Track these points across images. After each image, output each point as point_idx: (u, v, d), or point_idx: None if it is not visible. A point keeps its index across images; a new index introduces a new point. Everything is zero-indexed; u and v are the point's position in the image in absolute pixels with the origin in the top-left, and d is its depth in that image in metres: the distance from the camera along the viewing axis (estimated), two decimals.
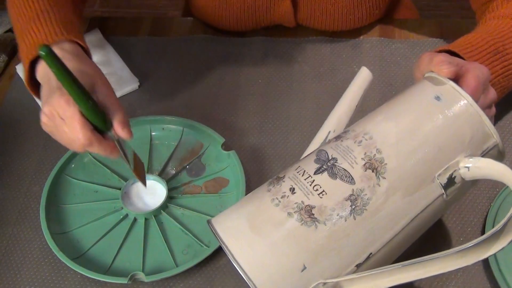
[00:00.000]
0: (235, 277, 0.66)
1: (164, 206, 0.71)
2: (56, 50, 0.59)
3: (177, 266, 0.66)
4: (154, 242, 0.69)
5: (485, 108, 0.60)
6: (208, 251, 0.66)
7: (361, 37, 0.90)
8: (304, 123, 0.80)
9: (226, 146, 0.75)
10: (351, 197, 0.51)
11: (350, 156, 0.53)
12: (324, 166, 0.53)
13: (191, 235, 0.69)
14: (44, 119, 0.61)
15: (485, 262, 0.65)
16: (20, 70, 0.88)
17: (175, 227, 0.70)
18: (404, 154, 0.52)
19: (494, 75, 0.65)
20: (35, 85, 0.67)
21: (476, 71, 0.58)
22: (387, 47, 0.88)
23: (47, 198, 0.72)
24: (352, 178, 0.51)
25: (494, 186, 0.71)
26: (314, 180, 0.52)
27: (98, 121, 0.59)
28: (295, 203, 0.51)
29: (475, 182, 0.56)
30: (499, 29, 0.68)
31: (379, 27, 0.92)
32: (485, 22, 0.72)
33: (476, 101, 0.56)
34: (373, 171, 0.51)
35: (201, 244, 0.68)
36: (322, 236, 0.50)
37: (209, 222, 0.54)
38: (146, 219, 0.71)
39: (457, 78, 0.57)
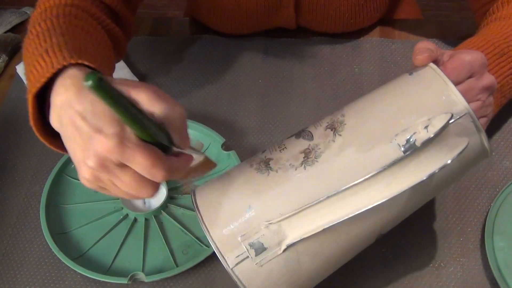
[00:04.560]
0: None
1: (164, 206, 0.71)
2: (66, 79, 0.49)
3: (177, 266, 0.66)
4: (154, 242, 0.69)
5: (477, 92, 0.59)
6: (208, 251, 0.66)
7: (361, 37, 0.90)
8: (304, 123, 0.80)
9: (226, 146, 0.75)
10: (306, 151, 0.54)
11: (319, 122, 0.57)
12: (296, 133, 0.57)
13: (191, 235, 0.69)
14: (88, 175, 0.47)
15: (485, 262, 0.65)
16: (21, 71, 0.88)
17: (175, 227, 0.70)
18: (364, 116, 0.54)
19: (502, 77, 0.64)
20: (45, 128, 0.54)
21: (463, 55, 0.58)
22: (387, 47, 0.88)
23: (47, 198, 0.72)
24: (312, 136, 0.55)
25: (494, 186, 0.71)
26: (282, 142, 0.56)
27: (162, 138, 0.47)
28: (259, 158, 0.55)
29: (458, 167, 0.55)
30: (502, 30, 0.67)
31: (379, 28, 0.92)
32: (487, 24, 0.72)
33: (457, 80, 0.57)
34: (331, 130, 0.54)
35: (201, 244, 0.68)
36: (271, 181, 0.53)
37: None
38: (146, 219, 0.71)
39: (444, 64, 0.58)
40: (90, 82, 0.39)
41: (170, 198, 0.72)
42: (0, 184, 0.76)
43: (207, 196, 0.54)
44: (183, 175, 0.51)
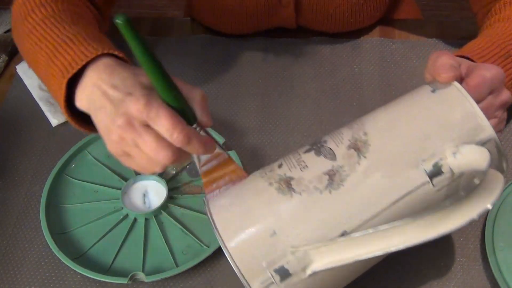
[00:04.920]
0: (235, 277, 0.66)
1: (164, 206, 0.71)
2: (99, 65, 0.55)
3: (177, 266, 0.66)
4: (154, 242, 0.69)
5: (495, 109, 0.59)
6: (208, 251, 0.66)
7: (361, 37, 0.90)
8: (304, 123, 0.80)
9: (226, 146, 0.75)
10: (330, 172, 0.52)
11: (338, 137, 0.54)
12: (314, 147, 0.55)
13: (191, 235, 0.69)
14: (115, 136, 0.51)
15: (485, 262, 0.65)
16: (21, 70, 0.88)
17: (175, 227, 0.70)
18: (388, 137, 0.53)
19: (508, 79, 0.64)
20: (76, 117, 0.59)
21: (483, 71, 0.57)
22: (387, 47, 0.88)
23: (47, 198, 0.72)
24: (335, 155, 0.53)
25: None
26: (300, 157, 0.54)
27: (186, 110, 0.51)
28: (278, 175, 0.53)
29: (472, 186, 0.55)
30: (507, 32, 0.67)
31: (379, 28, 0.92)
32: (491, 25, 0.71)
33: (479, 98, 0.56)
34: (355, 151, 0.52)
35: (201, 244, 0.68)
36: (295, 204, 0.51)
37: (205, 195, 0.56)
38: (146, 219, 0.71)
39: (464, 78, 0.57)
40: (120, 20, 0.45)
41: (170, 198, 0.72)
42: (0, 184, 0.76)
43: (228, 219, 0.52)
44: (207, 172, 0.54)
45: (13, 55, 0.91)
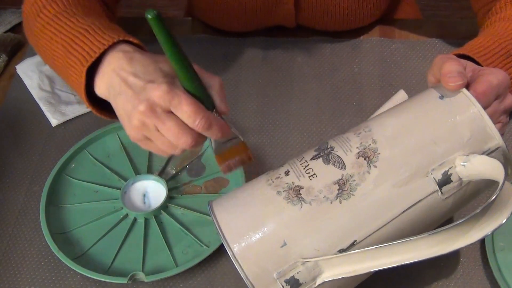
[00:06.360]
0: (235, 277, 0.66)
1: (164, 206, 0.71)
2: (117, 52, 0.57)
3: (177, 266, 0.66)
4: (154, 242, 0.69)
5: (499, 114, 0.59)
6: (208, 251, 0.66)
7: (361, 37, 0.90)
8: (304, 123, 0.80)
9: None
10: (340, 182, 0.51)
11: (346, 145, 0.54)
12: (321, 153, 0.54)
13: (191, 235, 0.69)
14: (137, 121, 0.53)
15: (485, 262, 0.65)
16: (21, 70, 0.87)
17: (175, 227, 0.70)
18: (398, 146, 0.53)
19: (509, 77, 0.64)
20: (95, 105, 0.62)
21: (490, 76, 0.57)
22: (387, 47, 0.88)
23: (47, 198, 0.72)
24: (344, 164, 0.52)
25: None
26: (308, 165, 0.54)
27: (206, 98, 0.54)
28: (286, 183, 0.53)
29: (476, 191, 0.55)
30: (508, 31, 0.67)
31: (379, 27, 0.92)
32: (491, 24, 0.71)
33: (486, 105, 0.55)
34: (365, 159, 0.52)
35: (201, 244, 0.68)
36: (306, 215, 0.51)
37: (209, 202, 0.56)
38: (146, 219, 0.71)
39: (469, 82, 0.57)
40: (152, 14, 0.47)
41: (170, 198, 0.72)
42: (0, 184, 0.76)
43: (237, 230, 0.52)
44: (221, 153, 0.58)
45: (13, 55, 0.91)
